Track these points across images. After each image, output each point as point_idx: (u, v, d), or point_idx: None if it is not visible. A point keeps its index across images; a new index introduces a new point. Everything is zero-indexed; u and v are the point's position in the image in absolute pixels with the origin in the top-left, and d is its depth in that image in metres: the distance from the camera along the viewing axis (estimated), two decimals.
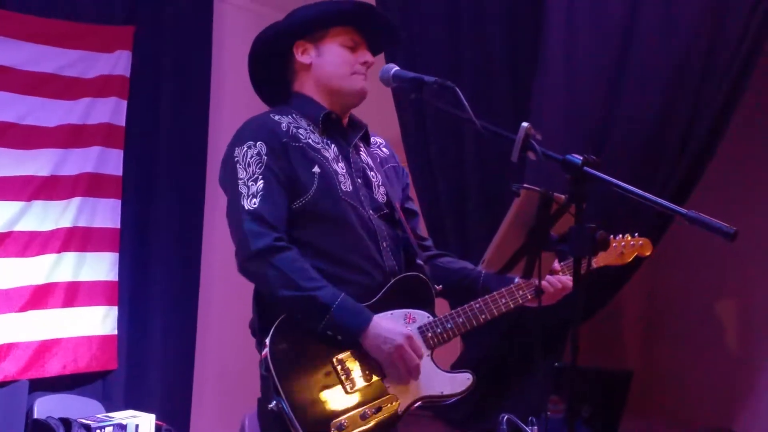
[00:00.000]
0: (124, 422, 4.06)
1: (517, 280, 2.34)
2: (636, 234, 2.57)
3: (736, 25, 3.40)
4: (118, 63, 4.56)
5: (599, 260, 2.48)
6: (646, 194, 1.75)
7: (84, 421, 4.00)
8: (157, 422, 4.23)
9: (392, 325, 2.18)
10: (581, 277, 1.75)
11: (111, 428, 4.01)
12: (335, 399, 2.12)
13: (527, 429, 2.86)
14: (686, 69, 3.51)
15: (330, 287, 2.14)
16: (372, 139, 2.54)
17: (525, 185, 1.92)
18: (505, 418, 2.88)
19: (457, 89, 2.05)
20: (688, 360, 4.29)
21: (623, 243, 2.53)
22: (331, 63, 2.36)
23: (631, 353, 4.64)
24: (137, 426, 4.09)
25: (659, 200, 1.75)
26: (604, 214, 3.04)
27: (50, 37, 4.33)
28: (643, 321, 4.61)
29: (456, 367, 4.04)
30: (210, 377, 5.00)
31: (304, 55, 2.38)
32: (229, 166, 2.25)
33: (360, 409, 2.13)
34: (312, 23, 2.37)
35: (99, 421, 4.02)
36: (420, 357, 2.18)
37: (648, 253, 2.58)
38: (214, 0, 5.09)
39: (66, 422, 3.98)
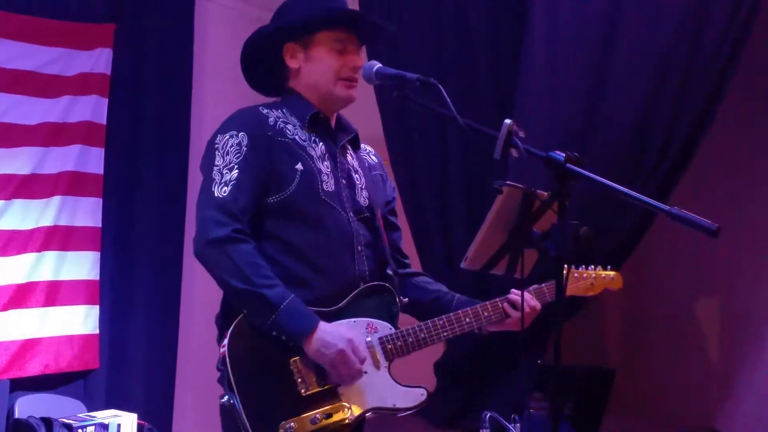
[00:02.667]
0: (105, 422, 4.03)
1: (486, 303, 2.34)
2: (609, 267, 2.58)
3: (719, 22, 3.42)
4: (99, 61, 4.53)
5: (570, 290, 2.48)
6: (629, 191, 1.75)
7: (65, 420, 3.97)
8: (139, 422, 4.20)
9: (337, 330, 2.15)
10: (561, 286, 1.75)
11: (93, 428, 3.98)
12: (288, 400, 2.11)
13: (510, 426, 2.86)
14: (668, 67, 3.53)
15: (281, 287, 2.11)
16: (362, 146, 2.54)
17: (508, 182, 1.92)
18: (488, 415, 2.88)
19: (440, 86, 2.05)
20: (670, 358, 4.32)
21: (594, 275, 2.54)
22: (318, 70, 2.35)
23: (614, 351, 4.66)
24: (119, 425, 4.07)
25: (642, 197, 1.75)
26: (587, 211, 3.05)
27: (30, 35, 4.29)
28: (625, 319, 4.63)
29: (440, 365, 4.09)
30: (192, 376, 4.97)
31: (293, 59, 2.37)
32: (209, 152, 2.26)
33: (310, 413, 2.11)
34: (299, 28, 2.35)
35: (80, 421, 3.99)
36: (362, 361, 2.16)
37: (618, 288, 2.58)
38: None
39: (47, 422, 3.95)
